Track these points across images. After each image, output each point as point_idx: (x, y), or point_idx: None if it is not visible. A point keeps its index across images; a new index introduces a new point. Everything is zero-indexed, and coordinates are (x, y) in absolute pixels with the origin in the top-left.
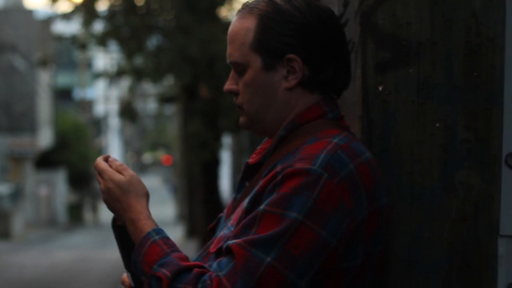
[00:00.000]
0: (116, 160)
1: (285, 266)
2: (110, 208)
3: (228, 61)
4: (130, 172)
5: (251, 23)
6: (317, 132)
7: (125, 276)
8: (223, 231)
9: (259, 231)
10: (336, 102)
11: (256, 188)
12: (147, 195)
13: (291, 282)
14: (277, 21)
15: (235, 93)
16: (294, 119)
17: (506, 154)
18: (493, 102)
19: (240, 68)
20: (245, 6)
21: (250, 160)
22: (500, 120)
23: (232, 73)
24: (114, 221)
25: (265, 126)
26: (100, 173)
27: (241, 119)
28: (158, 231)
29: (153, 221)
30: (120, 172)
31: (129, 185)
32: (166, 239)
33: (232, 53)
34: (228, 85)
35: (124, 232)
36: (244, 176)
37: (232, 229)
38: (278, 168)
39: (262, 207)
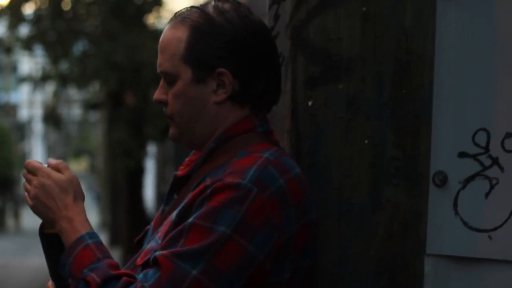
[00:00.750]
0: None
1: (211, 280)
2: (40, 206)
3: (158, 70)
4: (71, 172)
5: (182, 33)
6: (247, 146)
7: (50, 284)
8: (151, 244)
9: (186, 244)
10: (266, 116)
11: (185, 201)
12: (83, 199)
13: None
14: (208, 34)
15: (164, 103)
16: (224, 132)
17: (433, 173)
18: (422, 120)
19: (170, 79)
20: (177, 15)
21: (179, 173)
22: (428, 138)
23: (162, 83)
24: (42, 227)
25: (194, 138)
26: (33, 170)
27: (171, 131)
28: (92, 235)
29: (89, 224)
30: (59, 171)
31: (69, 184)
32: (99, 244)
33: (162, 63)
34: (158, 95)
35: (52, 240)
36: (173, 188)
37: (160, 241)
38: (208, 181)
39: (190, 219)
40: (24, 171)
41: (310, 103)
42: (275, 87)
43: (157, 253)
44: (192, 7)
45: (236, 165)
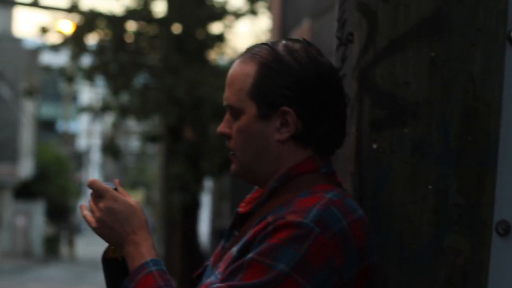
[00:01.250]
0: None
1: None
2: (106, 229)
3: (224, 103)
4: (134, 199)
5: (251, 69)
6: (310, 186)
7: None
8: (210, 279)
9: (244, 278)
10: (330, 158)
11: (246, 237)
12: (148, 224)
13: None
14: (276, 72)
15: (228, 137)
16: (287, 171)
17: (497, 222)
18: (487, 167)
19: (235, 113)
20: (248, 50)
21: (241, 209)
22: (492, 187)
23: (227, 116)
24: (106, 253)
25: (256, 175)
26: (100, 192)
27: (232, 166)
28: (157, 262)
29: (155, 250)
30: (124, 195)
31: (136, 210)
32: (163, 272)
33: (229, 96)
34: (222, 128)
35: (113, 265)
36: (234, 225)
37: (219, 276)
38: (270, 218)
39: (250, 255)
40: (91, 192)
41: (374, 146)
42: (339, 130)
43: (215, 285)
44: (263, 43)
45: (299, 204)
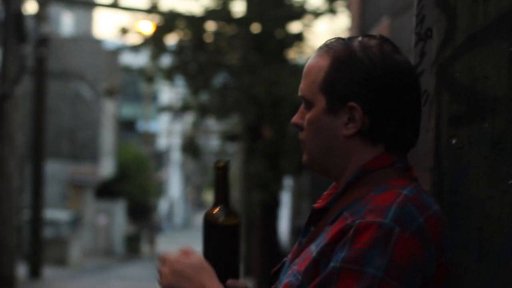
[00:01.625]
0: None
1: None
2: None
3: (299, 94)
4: (198, 257)
5: (324, 62)
6: (385, 181)
7: None
8: (289, 278)
9: None
10: (405, 154)
11: (326, 236)
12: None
13: None
14: (348, 67)
15: (300, 127)
16: (363, 166)
17: None
18: None
19: (308, 105)
20: (325, 44)
21: (316, 205)
22: None
23: (301, 107)
24: (207, 215)
25: (325, 168)
26: (162, 261)
27: (303, 157)
28: None
29: None
30: (188, 254)
31: (202, 264)
32: None
33: (303, 88)
34: (296, 119)
35: (212, 230)
36: (310, 221)
37: (300, 277)
38: (349, 220)
39: (337, 264)
40: (158, 265)
41: (453, 141)
42: (411, 129)
43: None
44: (340, 38)
45: (376, 201)
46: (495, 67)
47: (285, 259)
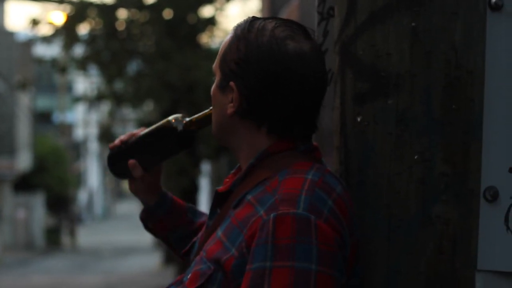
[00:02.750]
0: None
1: None
2: None
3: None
4: None
5: (228, 39)
6: (288, 165)
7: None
8: (199, 265)
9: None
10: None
11: (231, 220)
12: None
13: None
14: (235, 46)
15: None
16: (266, 149)
17: (484, 188)
18: (472, 135)
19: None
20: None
21: (220, 188)
22: (478, 154)
23: None
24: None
25: (226, 143)
26: None
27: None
28: None
29: None
30: None
31: None
32: None
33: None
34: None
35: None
36: (215, 204)
37: (211, 265)
38: (261, 211)
39: (266, 263)
40: None
41: (359, 119)
42: (303, 119)
43: None
44: (253, 17)
45: (285, 189)
46: (397, 44)
47: (194, 239)
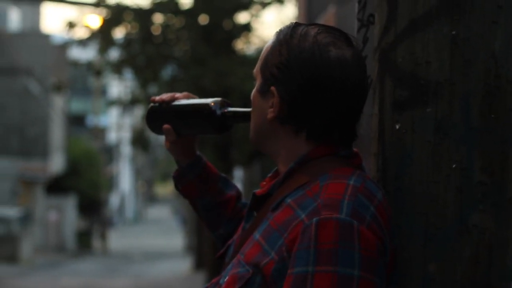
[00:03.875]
0: None
1: None
2: None
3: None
4: None
5: (270, 43)
6: (329, 170)
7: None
8: (237, 269)
9: None
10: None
11: (270, 223)
12: None
13: None
14: (277, 51)
15: None
16: (307, 153)
17: None
18: (510, 144)
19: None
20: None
21: (258, 191)
22: None
23: None
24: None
25: (262, 147)
26: None
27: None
28: None
29: None
30: None
31: None
32: None
33: (256, 66)
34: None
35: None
36: (252, 207)
37: (249, 269)
38: (302, 216)
39: (308, 268)
40: None
41: (397, 127)
42: (343, 126)
43: None
44: (295, 23)
45: (327, 194)
46: (437, 52)
47: (229, 242)
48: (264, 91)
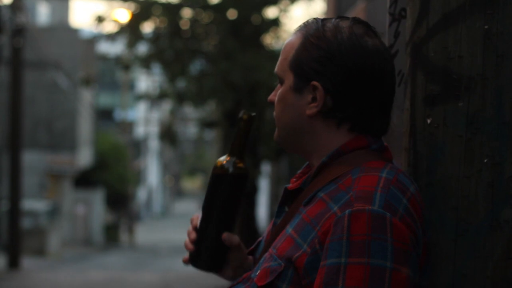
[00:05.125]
0: None
1: None
2: None
3: (274, 71)
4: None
5: (296, 40)
6: (361, 163)
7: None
8: (269, 263)
9: (348, 284)
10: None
11: (302, 217)
12: None
13: None
14: (314, 46)
15: (274, 105)
16: (339, 147)
17: None
18: None
19: (280, 82)
20: (303, 23)
21: (290, 185)
22: None
23: (278, 85)
24: (215, 168)
25: (293, 146)
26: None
27: (275, 132)
28: None
29: None
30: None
31: None
32: None
33: (278, 64)
34: (271, 96)
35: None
36: (284, 201)
37: (282, 262)
38: (335, 208)
39: (341, 259)
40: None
41: (429, 121)
42: (381, 114)
43: None
44: (316, 18)
45: (359, 187)
46: (470, 46)
47: (260, 238)
48: (299, 88)
